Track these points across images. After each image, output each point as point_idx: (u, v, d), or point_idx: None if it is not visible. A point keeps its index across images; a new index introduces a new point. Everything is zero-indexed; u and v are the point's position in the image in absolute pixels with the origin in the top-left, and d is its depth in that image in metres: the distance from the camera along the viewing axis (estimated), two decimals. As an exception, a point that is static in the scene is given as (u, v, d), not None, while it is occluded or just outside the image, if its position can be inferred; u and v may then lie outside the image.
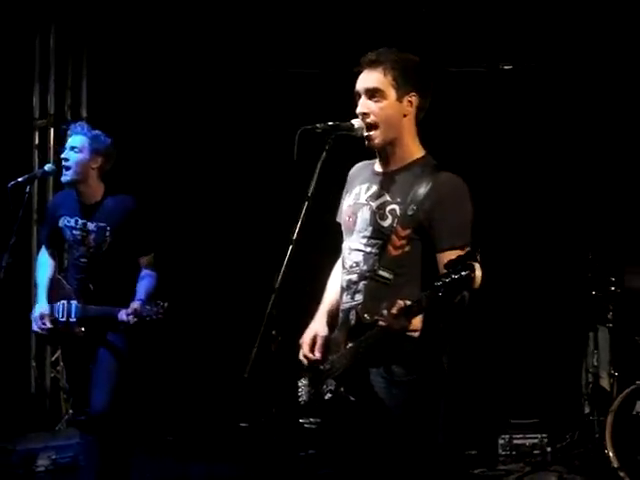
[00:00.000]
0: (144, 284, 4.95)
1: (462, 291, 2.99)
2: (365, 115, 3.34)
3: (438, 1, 6.92)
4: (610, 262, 6.37)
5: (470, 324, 3.63)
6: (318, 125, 3.28)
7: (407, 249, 3.28)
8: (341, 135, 3.30)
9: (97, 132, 5.01)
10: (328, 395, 3.35)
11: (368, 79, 3.35)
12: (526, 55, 7.15)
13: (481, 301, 3.12)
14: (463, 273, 2.92)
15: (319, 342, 3.47)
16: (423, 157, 3.41)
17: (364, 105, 3.35)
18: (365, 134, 3.34)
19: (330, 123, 3.29)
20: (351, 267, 3.41)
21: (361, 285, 3.36)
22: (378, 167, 3.46)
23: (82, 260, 4.96)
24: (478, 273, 2.92)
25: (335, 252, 3.60)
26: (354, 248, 3.41)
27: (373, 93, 3.33)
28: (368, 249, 3.37)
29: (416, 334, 3.18)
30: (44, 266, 5.17)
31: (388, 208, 3.34)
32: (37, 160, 7.28)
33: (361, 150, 3.42)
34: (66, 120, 7.15)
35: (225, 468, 6.23)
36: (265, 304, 3.10)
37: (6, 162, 6.64)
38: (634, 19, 6.69)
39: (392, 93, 3.33)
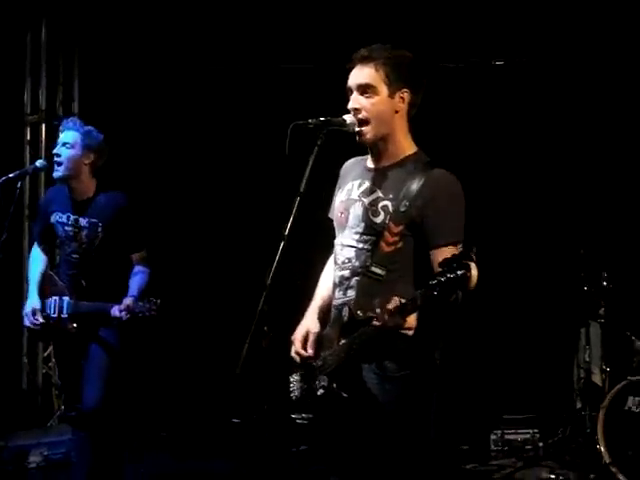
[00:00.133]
0: (136, 280, 4.95)
1: (458, 290, 2.98)
2: (357, 111, 3.34)
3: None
4: (602, 257, 6.37)
5: (463, 320, 3.62)
6: (310, 120, 3.28)
7: (399, 245, 3.28)
8: (333, 130, 3.29)
9: (89, 128, 5.00)
10: (321, 391, 3.34)
11: (360, 75, 3.35)
12: (518, 50, 7.15)
13: (473, 297, 3.12)
14: (459, 272, 2.91)
15: (311, 339, 3.47)
16: (415, 153, 3.41)
17: (356, 101, 3.35)
18: (356, 130, 3.34)
19: (322, 118, 3.29)
20: (343, 263, 3.41)
21: (353, 281, 3.36)
22: (370, 163, 3.46)
23: (74, 256, 4.95)
24: (474, 272, 2.91)
25: (327, 248, 3.60)
26: (346, 244, 3.41)
27: (365, 89, 3.33)
28: (360, 245, 3.36)
29: (410, 332, 3.17)
30: (36, 262, 5.16)
31: (380, 204, 3.33)
32: (28, 156, 7.28)
33: (353, 146, 3.42)
34: (57, 116, 7.15)
35: (218, 464, 6.24)
36: (257, 300, 3.10)
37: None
38: (626, 14, 6.70)
39: (384, 89, 3.33)
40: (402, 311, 3.06)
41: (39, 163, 5.25)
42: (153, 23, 7.21)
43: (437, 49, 6.85)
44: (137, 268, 5.00)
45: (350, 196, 3.45)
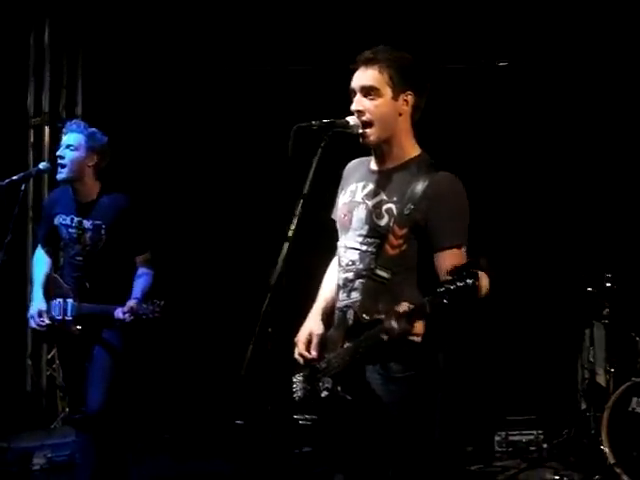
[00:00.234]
0: (140, 282, 4.95)
1: (467, 299, 2.94)
2: (360, 113, 3.33)
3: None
4: (605, 258, 6.37)
5: (467, 322, 3.62)
6: (313, 122, 3.27)
7: (404, 248, 3.27)
8: (336, 132, 3.29)
9: (93, 130, 5.00)
10: (325, 393, 3.34)
11: (364, 77, 3.34)
12: (522, 52, 7.14)
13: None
14: (469, 281, 2.89)
15: (315, 340, 3.47)
16: (419, 156, 3.41)
17: (359, 102, 3.35)
18: (360, 131, 3.34)
19: (325, 120, 3.29)
20: (347, 265, 3.41)
21: (357, 283, 3.36)
22: (374, 165, 3.45)
23: (78, 258, 4.96)
24: (484, 282, 2.89)
25: (331, 249, 3.60)
26: (350, 246, 3.41)
27: (369, 91, 3.32)
28: (364, 247, 3.36)
29: (418, 339, 3.12)
30: (40, 264, 5.16)
31: (384, 207, 3.33)
32: (32, 158, 7.28)
33: (356, 147, 3.42)
34: (61, 118, 7.15)
35: (221, 466, 6.24)
36: (260, 302, 3.10)
37: (1, 160, 6.64)
38: (631, 16, 6.69)
39: (388, 91, 3.33)
40: (410, 317, 3.04)
41: (43, 165, 5.25)
42: (157, 25, 7.21)
43: (441, 50, 6.84)
44: (141, 270, 5.00)
45: (353, 198, 3.45)
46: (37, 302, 4.98)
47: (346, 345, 3.31)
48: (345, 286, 3.41)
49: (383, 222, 3.32)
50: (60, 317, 4.92)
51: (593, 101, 6.99)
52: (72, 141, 4.92)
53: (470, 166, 4.98)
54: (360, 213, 3.40)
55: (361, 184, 3.45)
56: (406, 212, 3.26)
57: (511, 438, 6.55)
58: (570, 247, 6.73)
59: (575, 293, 6.51)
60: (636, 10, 6.68)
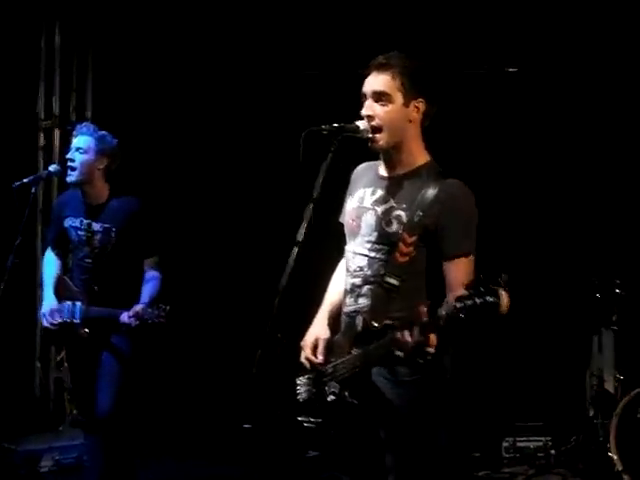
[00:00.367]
0: (149, 287, 4.94)
1: (486, 317, 2.87)
2: (370, 118, 3.33)
3: (443, 4, 6.92)
4: (614, 265, 6.36)
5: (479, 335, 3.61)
6: (324, 126, 3.28)
7: (413, 255, 3.26)
8: (346, 137, 3.29)
9: (103, 133, 5.01)
10: (331, 397, 3.33)
11: (376, 82, 3.34)
12: (531, 58, 7.13)
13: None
14: (489, 299, 2.84)
15: (321, 345, 3.45)
16: (428, 163, 3.40)
17: (369, 107, 3.34)
18: (369, 136, 3.34)
19: (335, 124, 3.29)
20: (355, 271, 3.40)
21: (365, 289, 3.36)
22: (383, 171, 3.45)
23: (87, 261, 4.96)
24: (505, 301, 2.85)
25: (340, 254, 3.60)
26: (358, 252, 3.40)
27: (380, 96, 3.32)
28: (373, 254, 3.36)
29: (431, 350, 3.09)
30: (50, 265, 5.17)
31: (394, 214, 3.32)
32: (42, 161, 7.30)
33: (366, 152, 3.42)
34: (71, 121, 7.17)
35: (229, 470, 6.23)
36: (269, 306, 3.10)
37: (11, 163, 6.66)
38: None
39: (399, 98, 3.32)
40: (424, 329, 3.03)
41: (53, 168, 5.27)
42: (167, 29, 7.22)
43: (449, 56, 6.83)
44: (149, 274, 5.00)
45: (362, 204, 3.44)
46: (48, 301, 4.99)
47: (354, 351, 3.30)
48: (352, 291, 3.41)
49: (392, 229, 3.31)
50: (68, 320, 4.93)
51: (604, 108, 6.97)
52: (82, 144, 4.93)
53: (479, 172, 4.98)
54: (369, 219, 3.39)
55: (370, 189, 3.45)
56: (416, 219, 3.26)
57: (519, 444, 6.52)
58: (579, 254, 6.72)
59: (584, 300, 6.50)
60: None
